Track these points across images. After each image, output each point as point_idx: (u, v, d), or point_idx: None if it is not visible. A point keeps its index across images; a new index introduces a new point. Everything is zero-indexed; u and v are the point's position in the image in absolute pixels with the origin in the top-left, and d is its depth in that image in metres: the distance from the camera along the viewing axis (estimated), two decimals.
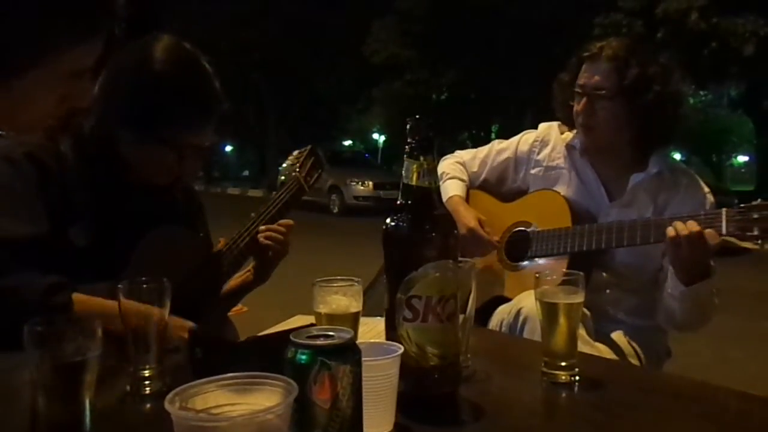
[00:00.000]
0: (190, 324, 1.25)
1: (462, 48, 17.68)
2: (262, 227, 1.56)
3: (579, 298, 1.09)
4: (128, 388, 1.01)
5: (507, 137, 2.12)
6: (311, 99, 23.77)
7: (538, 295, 1.10)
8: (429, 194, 0.97)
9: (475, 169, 2.09)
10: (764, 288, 6.38)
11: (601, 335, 1.68)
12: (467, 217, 1.92)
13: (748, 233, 1.50)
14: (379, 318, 1.03)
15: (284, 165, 1.72)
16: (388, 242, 0.97)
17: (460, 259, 1.02)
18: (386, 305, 0.96)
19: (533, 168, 1.98)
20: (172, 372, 1.03)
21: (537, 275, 1.11)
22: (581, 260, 1.72)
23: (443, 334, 0.94)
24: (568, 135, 1.95)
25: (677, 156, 15.72)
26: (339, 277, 1.12)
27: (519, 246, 1.91)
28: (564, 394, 1.07)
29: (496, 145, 2.10)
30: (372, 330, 1.20)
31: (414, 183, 0.96)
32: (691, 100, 18.10)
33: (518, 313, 1.63)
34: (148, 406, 1.00)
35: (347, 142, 30.71)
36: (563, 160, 1.93)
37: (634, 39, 2.48)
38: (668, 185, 1.80)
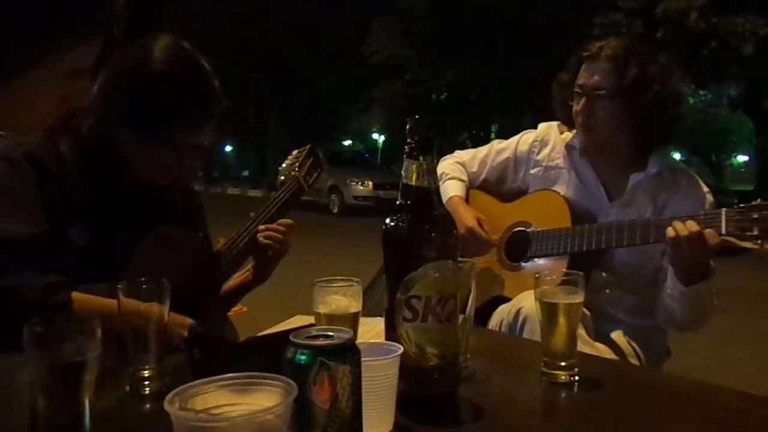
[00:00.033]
0: (189, 321, 1.26)
1: (462, 48, 17.69)
2: (262, 227, 1.56)
3: (579, 298, 1.09)
4: (128, 388, 1.01)
5: (507, 137, 2.12)
6: (311, 99, 23.78)
7: (537, 295, 1.10)
8: (428, 194, 0.97)
9: (474, 169, 2.09)
10: (764, 288, 6.38)
11: (600, 335, 1.68)
12: (467, 218, 1.92)
13: (748, 233, 1.50)
14: (378, 318, 1.03)
15: (283, 165, 1.73)
16: (387, 242, 0.97)
17: (459, 259, 1.02)
18: (386, 305, 0.96)
19: (533, 168, 1.98)
20: (171, 372, 1.03)
21: (537, 275, 1.11)
22: (581, 260, 1.72)
23: (443, 334, 0.94)
24: (568, 135, 1.94)
25: (677, 156, 15.71)
26: (338, 278, 1.12)
27: (519, 246, 1.91)
28: (563, 394, 1.07)
29: (496, 145, 2.10)
30: (371, 330, 1.20)
31: (413, 183, 0.96)
32: (691, 100, 18.10)
33: (518, 313, 1.63)
34: (148, 406, 1.00)
35: (347, 142, 30.70)
36: (563, 160, 1.93)
37: (633, 39, 2.49)
38: (668, 185, 1.80)
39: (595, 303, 1.66)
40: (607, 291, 1.79)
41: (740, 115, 22.55)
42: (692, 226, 1.50)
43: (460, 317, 1.02)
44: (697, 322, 1.70)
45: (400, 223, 0.96)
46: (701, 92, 19.85)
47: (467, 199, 2.04)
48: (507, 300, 1.76)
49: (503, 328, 1.68)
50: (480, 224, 1.91)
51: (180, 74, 1.34)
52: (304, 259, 3.44)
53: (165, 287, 1.03)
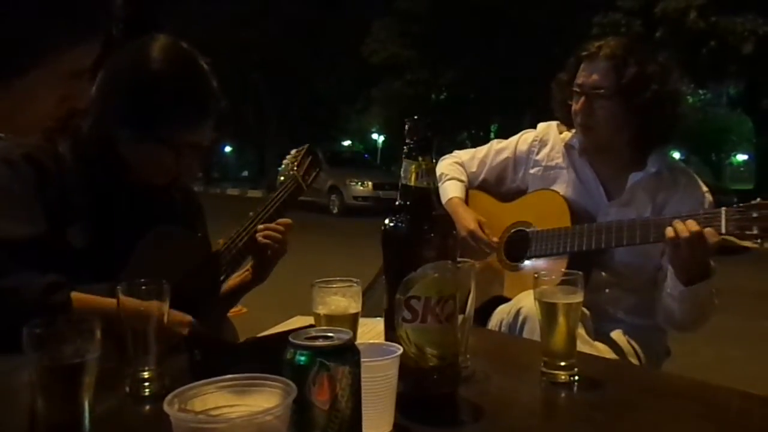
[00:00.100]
0: (189, 318, 1.26)
1: (462, 48, 17.69)
2: (261, 226, 1.56)
3: (578, 297, 1.09)
4: (127, 389, 1.01)
5: (506, 137, 2.11)
6: (311, 99, 23.78)
7: (537, 295, 1.10)
8: (428, 195, 0.97)
9: (474, 169, 2.09)
10: (764, 287, 6.38)
11: (600, 335, 1.68)
12: (467, 219, 1.92)
13: (748, 232, 1.50)
14: (378, 319, 1.03)
15: (282, 165, 1.73)
16: (387, 243, 0.97)
17: (459, 259, 1.02)
18: (385, 306, 0.96)
19: (532, 168, 1.98)
20: (171, 374, 1.03)
21: (536, 275, 1.11)
22: (580, 260, 1.72)
23: (442, 334, 0.94)
24: (567, 134, 1.94)
25: (676, 155, 15.70)
26: (338, 278, 1.12)
27: (518, 246, 1.91)
28: (563, 394, 1.07)
29: (495, 144, 2.10)
30: (371, 331, 1.20)
31: (413, 183, 0.96)
32: (690, 99, 18.12)
33: (518, 313, 1.63)
34: (147, 407, 1.00)
35: (346, 143, 30.69)
36: (562, 159, 1.93)
37: (632, 38, 2.48)
38: (667, 184, 1.80)
39: (595, 302, 1.66)
40: (607, 290, 1.79)
41: (739, 114, 22.55)
42: (692, 225, 1.50)
43: (460, 317, 1.02)
44: (697, 322, 1.70)
45: (400, 224, 0.96)
46: (700, 91, 19.85)
47: (466, 200, 2.04)
48: (507, 300, 1.76)
49: (503, 328, 1.68)
50: (480, 226, 1.91)
51: (178, 74, 1.34)
52: (304, 260, 3.44)
53: (164, 288, 1.03)
